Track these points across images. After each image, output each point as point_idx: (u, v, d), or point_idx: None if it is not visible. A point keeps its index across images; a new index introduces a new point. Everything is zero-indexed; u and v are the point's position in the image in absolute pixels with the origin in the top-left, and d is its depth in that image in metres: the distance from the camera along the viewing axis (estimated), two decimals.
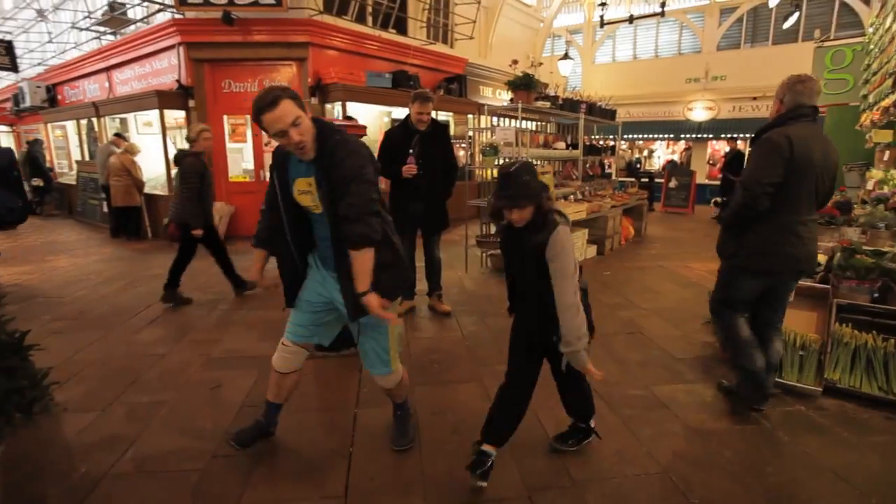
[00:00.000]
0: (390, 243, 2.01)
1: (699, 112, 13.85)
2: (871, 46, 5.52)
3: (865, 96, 5.57)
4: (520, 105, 5.43)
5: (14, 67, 5.09)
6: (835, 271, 3.00)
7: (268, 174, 7.99)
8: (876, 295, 2.89)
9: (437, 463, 2.26)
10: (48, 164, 11.40)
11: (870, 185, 4.52)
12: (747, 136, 12.67)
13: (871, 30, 5.70)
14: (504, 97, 11.41)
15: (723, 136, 13.08)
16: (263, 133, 7.14)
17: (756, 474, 2.16)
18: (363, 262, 1.84)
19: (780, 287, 2.53)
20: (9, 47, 5.02)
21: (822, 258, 3.12)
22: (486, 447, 2.07)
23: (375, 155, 4.49)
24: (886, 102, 4.03)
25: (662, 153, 15.62)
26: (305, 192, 1.95)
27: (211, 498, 2.04)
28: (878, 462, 2.25)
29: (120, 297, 5.00)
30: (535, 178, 1.85)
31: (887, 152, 4.72)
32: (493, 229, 6.40)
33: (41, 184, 10.37)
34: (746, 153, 10.66)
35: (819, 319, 2.97)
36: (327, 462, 2.30)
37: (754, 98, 13.03)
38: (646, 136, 14.78)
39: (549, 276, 1.85)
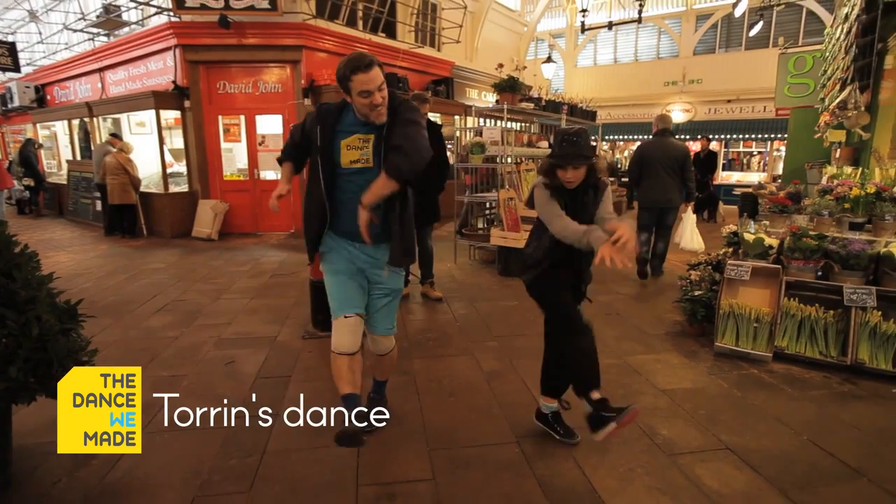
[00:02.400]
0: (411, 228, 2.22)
1: (677, 114, 14.39)
2: (826, 54, 6.00)
3: (822, 99, 6.05)
4: (505, 106, 5.78)
5: (16, 67, 5.24)
6: (785, 253, 3.39)
7: (262, 173, 8.26)
8: (819, 273, 3.29)
9: (437, 418, 2.58)
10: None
11: (824, 180, 4.96)
12: (722, 137, 13.27)
13: (826, 39, 6.18)
14: (490, 99, 11.79)
15: (699, 137, 13.63)
16: (258, 133, 7.30)
17: (711, 421, 2.53)
18: (384, 186, 1.95)
19: (659, 215, 5.09)
20: (12, 48, 5.19)
21: (774, 242, 3.52)
22: (593, 395, 2.12)
23: None
24: (833, 105, 4.47)
25: None
26: (356, 147, 2.04)
27: (240, 448, 2.33)
28: (813, 410, 2.63)
29: (125, 288, 5.21)
30: (587, 133, 2.11)
31: (839, 150, 5.17)
32: (477, 224, 6.73)
33: (32, 183, 10.43)
34: (720, 153, 10.97)
35: (771, 295, 3.35)
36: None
37: (728, 101, 13.62)
38: (626, 137, 15.30)
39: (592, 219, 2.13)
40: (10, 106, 11.60)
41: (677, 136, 14.05)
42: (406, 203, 2.16)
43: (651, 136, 5.28)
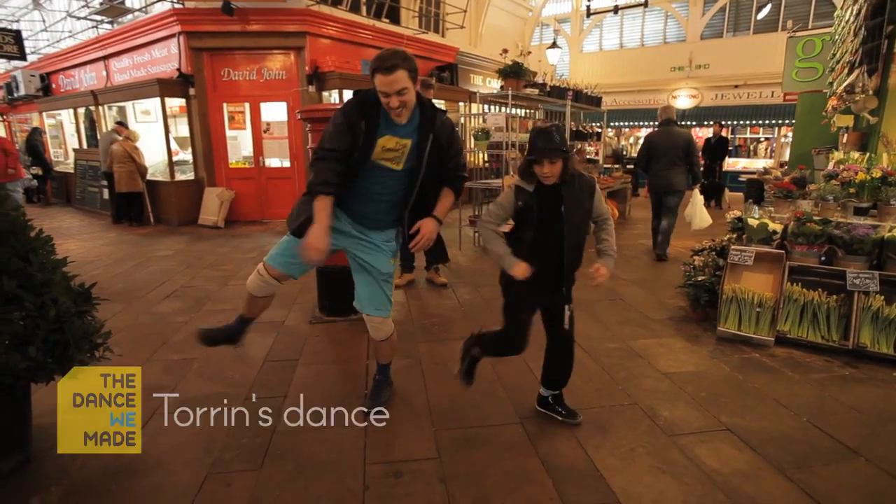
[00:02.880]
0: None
1: (683, 100, 14.25)
2: (836, 37, 5.92)
3: (831, 83, 5.98)
4: (510, 92, 5.76)
5: (23, 55, 5.27)
6: (789, 238, 3.40)
7: (267, 161, 8.29)
8: (823, 258, 3.30)
9: (442, 398, 2.64)
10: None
11: (830, 166, 4.93)
12: (729, 123, 13.14)
13: (835, 22, 6.09)
14: (494, 85, 11.71)
15: (706, 123, 13.52)
16: (263, 121, 7.34)
17: (712, 403, 2.57)
18: (450, 202, 2.27)
19: (663, 198, 5.51)
20: (17, 36, 5.21)
21: (778, 227, 3.52)
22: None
23: None
24: (840, 89, 4.42)
25: None
26: (392, 149, 2.10)
27: (250, 427, 2.39)
28: (813, 392, 2.67)
29: (134, 275, 5.28)
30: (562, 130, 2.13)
31: (846, 135, 5.13)
32: (483, 210, 6.76)
33: (39, 172, 10.51)
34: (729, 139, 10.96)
35: (774, 280, 3.37)
36: (346, 401, 2.64)
37: (736, 86, 13.46)
38: (631, 123, 15.18)
39: (588, 218, 2.20)
40: (15, 95, 11.64)
41: (683, 123, 14.14)
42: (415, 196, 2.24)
43: (657, 126, 5.81)
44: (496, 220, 2.21)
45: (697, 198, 5.55)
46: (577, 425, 2.36)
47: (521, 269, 2.09)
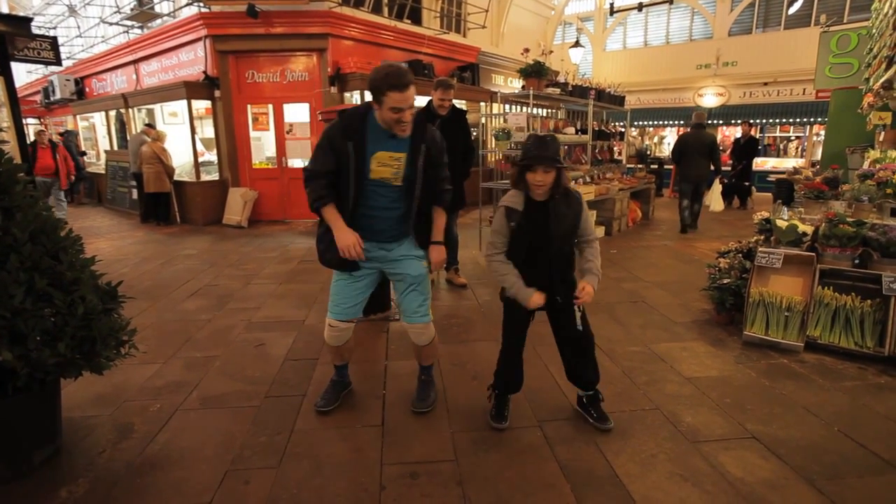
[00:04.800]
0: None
1: (710, 98, 13.92)
2: (873, 31, 5.70)
3: (867, 79, 5.75)
4: (531, 92, 5.71)
5: (58, 61, 5.48)
6: (820, 240, 3.28)
7: (290, 161, 8.40)
8: (856, 261, 3.17)
9: (460, 400, 2.62)
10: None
11: (866, 165, 4.75)
12: (758, 121, 12.77)
13: (873, 15, 5.86)
14: (516, 84, 11.63)
15: (733, 121, 13.18)
16: (286, 122, 7.43)
17: (737, 409, 2.49)
18: (444, 220, 2.36)
19: (695, 186, 6.88)
20: (53, 42, 5.41)
21: (808, 228, 3.40)
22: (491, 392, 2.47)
23: None
24: (878, 85, 4.25)
25: (672, 140, 15.71)
26: (387, 164, 2.14)
27: (270, 425, 2.42)
28: (845, 401, 2.56)
29: (160, 273, 5.41)
30: (557, 141, 2.14)
31: (884, 133, 4.93)
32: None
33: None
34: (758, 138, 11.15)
35: (804, 284, 3.25)
36: (364, 402, 2.67)
37: (765, 83, 13.08)
38: (656, 122, 14.89)
39: (574, 232, 2.20)
40: (52, 98, 12.07)
41: (710, 121, 13.82)
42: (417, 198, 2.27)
43: (690, 128, 7.21)
44: (500, 249, 2.25)
45: (716, 186, 7.21)
46: (606, 431, 2.32)
47: (536, 299, 2.17)
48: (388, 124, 2.09)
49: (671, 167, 10.16)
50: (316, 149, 2.20)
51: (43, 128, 10.04)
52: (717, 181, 7.10)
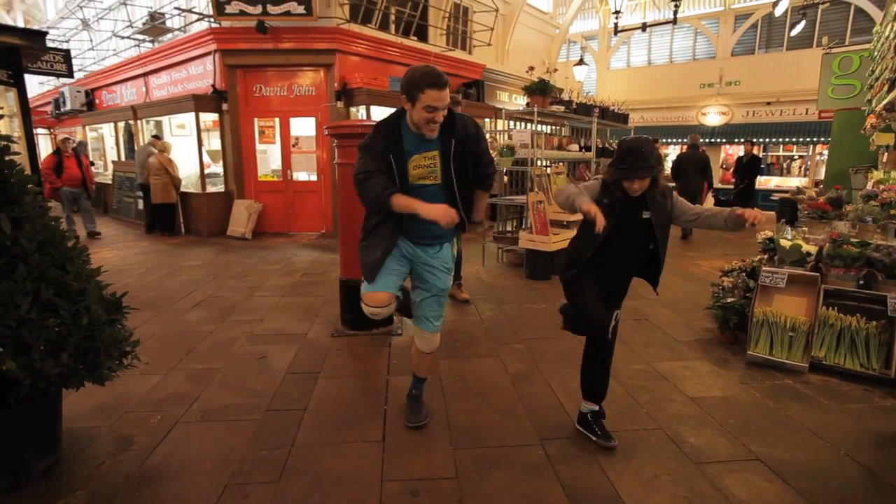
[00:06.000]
0: None
1: (713, 117, 14.02)
2: (875, 53, 5.75)
3: (869, 101, 5.79)
4: (535, 109, 5.77)
5: (70, 74, 5.59)
6: (824, 260, 3.27)
7: (295, 174, 8.47)
8: (861, 282, 3.15)
9: (461, 417, 2.60)
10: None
11: (869, 185, 4.76)
12: (761, 140, 12.84)
13: (874, 38, 5.92)
14: (520, 101, 11.74)
15: (736, 140, 13.25)
16: (292, 136, 7.48)
17: (741, 430, 2.47)
18: (485, 201, 2.47)
19: (691, 199, 6.98)
20: (66, 55, 5.54)
21: (812, 248, 3.40)
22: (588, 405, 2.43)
23: None
24: (880, 107, 4.28)
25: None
26: (423, 165, 2.19)
27: (270, 439, 2.41)
28: (851, 423, 2.53)
29: (164, 284, 5.43)
30: (656, 148, 2.12)
31: (887, 154, 4.95)
32: (509, 226, 6.73)
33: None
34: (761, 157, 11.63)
35: (808, 304, 3.24)
36: (365, 416, 2.65)
37: (768, 103, 13.18)
38: (660, 140, 14.96)
39: (668, 221, 2.21)
40: (62, 110, 12.24)
41: (713, 139, 13.90)
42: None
43: (686, 149, 8.68)
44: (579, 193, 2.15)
45: (709, 200, 8.65)
46: (610, 450, 2.30)
47: (593, 208, 1.94)
48: (418, 125, 2.12)
49: (672, 184, 10.38)
50: (361, 156, 2.20)
51: (68, 135, 9.63)
52: (709, 195, 8.51)
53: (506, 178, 6.74)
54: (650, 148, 2.05)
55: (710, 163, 8.26)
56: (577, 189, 2.10)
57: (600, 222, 1.92)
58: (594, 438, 2.36)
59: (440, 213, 2.07)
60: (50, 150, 12.47)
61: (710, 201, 8.67)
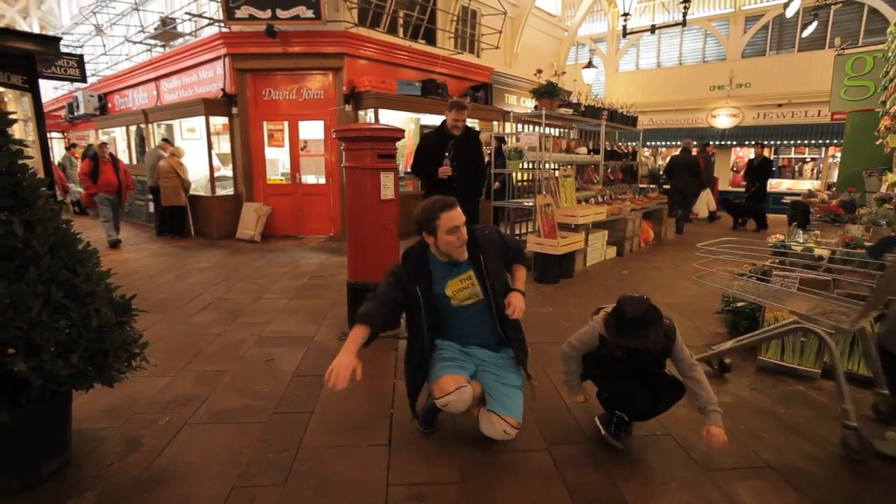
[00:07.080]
0: None
1: (723, 119, 13.91)
2: (889, 54, 5.67)
3: (884, 102, 5.71)
4: (543, 112, 5.76)
5: (83, 78, 5.68)
6: (836, 264, 3.22)
7: (304, 178, 8.52)
8: (874, 286, 3.10)
9: (468, 422, 2.58)
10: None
11: (884, 188, 4.69)
12: (772, 143, 12.71)
13: (888, 38, 5.84)
14: (528, 104, 11.73)
15: (746, 142, 13.12)
16: (301, 139, 7.53)
17: (752, 437, 2.43)
18: (524, 273, 2.49)
19: (682, 196, 9.24)
20: (80, 60, 5.62)
21: (825, 252, 3.35)
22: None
23: (412, 156, 4.86)
24: (894, 109, 4.21)
25: None
26: (463, 288, 2.24)
27: (276, 442, 2.41)
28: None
29: (173, 286, 5.48)
30: (660, 316, 2.03)
31: None
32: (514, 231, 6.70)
33: None
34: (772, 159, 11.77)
35: None
36: (372, 420, 2.65)
37: (779, 105, 13.04)
38: (669, 143, 14.87)
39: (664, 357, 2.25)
40: (76, 114, 12.43)
41: (724, 141, 13.79)
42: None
43: (679, 152, 9.58)
44: (577, 353, 2.35)
45: (703, 196, 9.96)
46: (617, 450, 2.28)
47: (580, 399, 2.43)
48: (447, 253, 2.17)
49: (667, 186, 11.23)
50: (385, 278, 2.25)
51: (105, 141, 9.51)
52: (706, 192, 10.01)
53: (496, 185, 6.65)
54: (650, 321, 1.98)
55: (703, 166, 9.53)
56: (573, 366, 2.37)
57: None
58: (603, 432, 2.35)
59: (333, 364, 1.92)
60: (63, 154, 12.72)
61: (703, 199, 9.98)
